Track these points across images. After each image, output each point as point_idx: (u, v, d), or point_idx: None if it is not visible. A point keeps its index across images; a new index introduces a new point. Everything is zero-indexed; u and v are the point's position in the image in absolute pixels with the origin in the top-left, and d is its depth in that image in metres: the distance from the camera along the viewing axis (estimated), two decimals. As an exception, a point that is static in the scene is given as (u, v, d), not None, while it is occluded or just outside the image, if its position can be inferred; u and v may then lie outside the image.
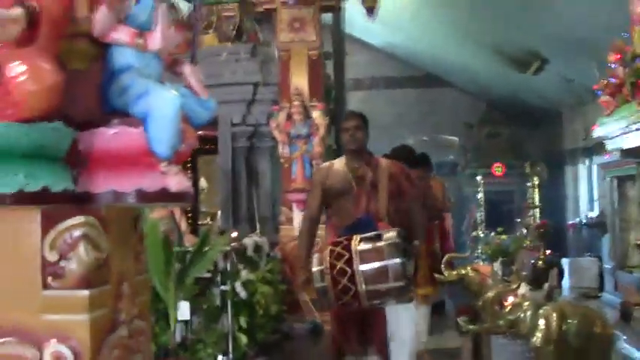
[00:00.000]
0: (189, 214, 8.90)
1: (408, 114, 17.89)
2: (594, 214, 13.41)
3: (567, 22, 10.14)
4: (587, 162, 14.36)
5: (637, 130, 5.70)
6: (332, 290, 4.33)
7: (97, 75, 2.17)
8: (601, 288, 9.87)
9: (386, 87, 18.44)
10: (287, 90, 8.07)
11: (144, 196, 2.14)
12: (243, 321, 5.65)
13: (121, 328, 2.22)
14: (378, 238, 4.41)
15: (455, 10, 12.54)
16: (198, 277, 5.35)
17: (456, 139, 17.58)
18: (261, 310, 6.01)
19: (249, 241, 6.46)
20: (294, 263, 6.73)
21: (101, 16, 2.10)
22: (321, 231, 5.38)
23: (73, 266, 2.03)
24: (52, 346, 2.01)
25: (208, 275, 5.60)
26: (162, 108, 2.07)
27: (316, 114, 7.98)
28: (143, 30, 2.18)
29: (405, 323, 5.08)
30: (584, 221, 13.83)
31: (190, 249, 5.35)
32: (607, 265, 9.63)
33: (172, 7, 2.48)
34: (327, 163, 5.28)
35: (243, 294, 5.73)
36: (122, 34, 2.13)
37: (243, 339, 5.62)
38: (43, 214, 2.02)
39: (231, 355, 5.46)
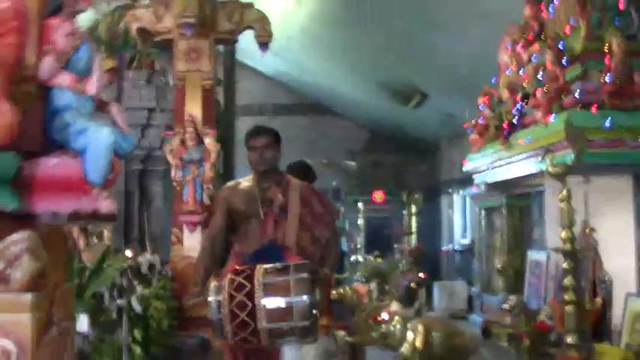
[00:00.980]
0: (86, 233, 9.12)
1: (296, 140, 18.44)
2: (467, 241, 14.33)
3: (446, 61, 10.93)
4: (461, 192, 15.30)
5: (499, 166, 6.40)
6: (229, 324, 3.94)
7: (40, 112, 2.57)
8: (470, 309, 10.65)
9: (275, 114, 18.96)
10: (181, 117, 8.43)
11: (78, 217, 2.55)
12: (138, 334, 6.00)
13: (54, 328, 2.61)
14: (285, 270, 4.02)
15: (343, 44, 13.21)
16: (95, 291, 5.67)
17: (353, 163, 18.22)
18: (155, 324, 6.37)
19: (143, 260, 6.79)
20: (187, 283, 7.06)
21: (47, 64, 2.51)
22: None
23: (17, 274, 2.42)
24: (1, 341, 2.39)
25: (105, 290, 5.91)
26: (98, 143, 2.49)
27: (208, 140, 8.36)
28: (81, 76, 2.60)
29: None
30: (457, 247, 14.76)
31: (89, 265, 5.66)
32: (474, 289, 10.42)
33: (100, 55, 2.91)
34: (233, 182, 4.87)
35: (138, 308, 6.08)
36: (64, 80, 2.55)
37: (138, 350, 5.97)
38: (-7, 228, 2.41)
39: (126, 366, 5.79)
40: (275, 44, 9.02)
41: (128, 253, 6.75)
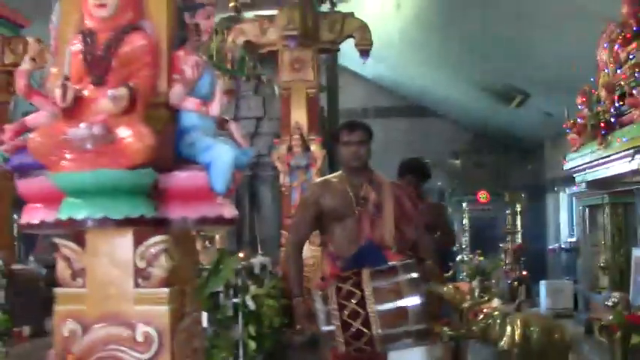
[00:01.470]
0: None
1: (397, 142, 18.70)
2: (573, 239, 14.25)
3: (545, 60, 11.00)
4: (567, 190, 15.21)
5: (598, 165, 6.52)
6: (342, 335, 3.80)
7: (171, 132, 2.97)
8: (576, 307, 10.67)
9: (376, 116, 19.25)
10: (288, 124, 8.89)
11: (206, 222, 2.94)
12: (252, 330, 6.45)
13: (186, 318, 3.02)
14: (393, 271, 3.90)
15: (441, 47, 13.41)
16: (213, 291, 6.13)
17: (458, 162, 18.33)
18: (267, 321, 6.81)
19: (256, 261, 7.25)
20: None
21: (177, 91, 2.91)
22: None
23: (156, 271, 2.83)
24: (142, 328, 2.80)
25: (221, 289, 6.37)
26: (221, 158, 2.87)
27: (314, 147, 8.79)
28: (204, 99, 2.99)
29: None
30: (564, 246, 14.69)
31: (207, 266, 6.12)
32: (580, 287, 10.44)
33: (221, 79, 3.30)
34: (320, 180, 4.69)
35: (252, 306, 6.53)
36: (191, 104, 2.94)
37: (252, 345, 6.41)
38: (135, 233, 2.82)
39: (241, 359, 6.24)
40: (375, 49, 9.36)
41: (241, 255, 7.21)
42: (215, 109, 2.99)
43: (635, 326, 5.41)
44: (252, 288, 6.75)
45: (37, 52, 8.86)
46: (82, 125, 2.69)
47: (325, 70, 11.73)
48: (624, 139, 5.54)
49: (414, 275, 3.82)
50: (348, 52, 11.30)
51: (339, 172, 4.48)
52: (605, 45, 6.44)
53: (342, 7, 10.58)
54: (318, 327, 3.98)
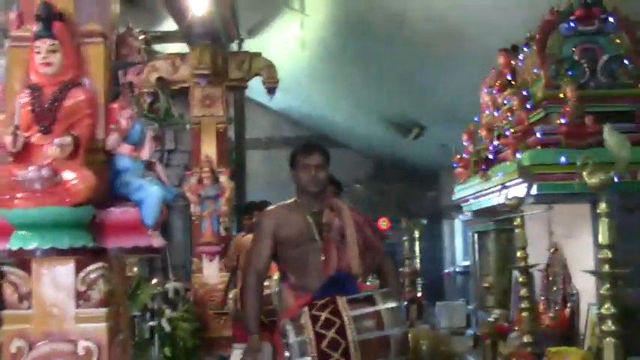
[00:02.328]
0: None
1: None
2: (467, 262, 15.14)
3: (441, 96, 11.82)
4: (460, 217, 16.12)
5: (480, 196, 7.25)
6: None
7: (107, 174, 3.45)
8: (468, 325, 11.46)
9: (283, 146, 19.80)
10: (198, 157, 9.37)
11: (138, 251, 3.43)
12: (168, 351, 6.88)
13: (120, 334, 3.49)
14: (370, 300, 3.64)
15: (346, 81, 14.11)
16: (130, 315, 6.54)
17: (359, 186, 19.00)
18: (182, 343, 7.24)
19: (170, 286, 7.68)
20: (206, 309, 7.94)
21: (112, 138, 3.40)
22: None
23: (95, 294, 3.29)
24: (83, 343, 3.25)
25: (138, 313, 6.78)
26: (151, 196, 3.36)
27: (223, 178, 9.29)
28: (136, 146, 3.49)
29: None
30: (457, 269, 15.58)
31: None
32: (471, 307, 11.22)
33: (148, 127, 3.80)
34: (275, 207, 4.23)
35: (167, 328, 6.96)
36: (125, 150, 3.43)
37: (167, 366, 6.85)
38: (77, 261, 3.28)
39: (157, 381, 6.66)
40: (282, 82, 9.94)
41: (153, 281, 7.64)
42: (145, 154, 3.50)
43: (501, 334, 6.15)
44: (167, 312, 7.18)
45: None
46: (31, 168, 3.14)
47: (233, 101, 12.25)
48: (499, 174, 6.26)
49: (395, 304, 3.59)
50: (254, 85, 11.86)
51: (294, 199, 4.14)
52: (486, 90, 7.20)
53: (249, 44, 11.16)
54: None
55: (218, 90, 9.35)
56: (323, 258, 3.94)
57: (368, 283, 4.12)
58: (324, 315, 3.57)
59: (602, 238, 4.33)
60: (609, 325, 4.59)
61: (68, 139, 3.19)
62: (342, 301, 3.62)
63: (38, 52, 3.30)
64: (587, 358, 5.28)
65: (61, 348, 3.26)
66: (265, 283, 5.30)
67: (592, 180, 4.21)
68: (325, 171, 4.10)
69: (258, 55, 9.54)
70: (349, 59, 12.78)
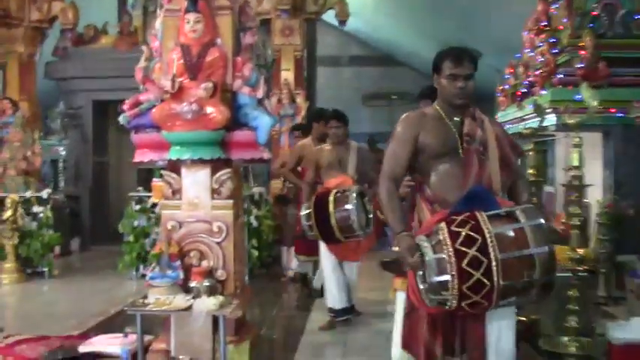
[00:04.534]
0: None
1: (368, 88, 20.59)
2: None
3: (496, 30, 12.97)
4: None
5: (516, 122, 8.54)
6: (458, 286, 3.19)
7: (233, 107, 4.93)
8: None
9: (350, 64, 21.06)
10: (278, 80, 10.83)
11: (253, 161, 4.96)
12: (255, 242, 8.51)
13: (239, 218, 5.06)
14: (512, 217, 3.34)
15: (410, 9, 15.27)
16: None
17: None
18: (265, 237, 8.87)
19: (256, 190, 9.25)
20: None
21: (238, 83, 4.87)
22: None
23: (224, 190, 4.84)
24: (216, 223, 4.82)
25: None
26: (264, 123, 4.85)
27: (299, 99, 10.76)
28: (253, 87, 4.95)
29: (507, 335, 3.59)
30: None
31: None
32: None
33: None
34: (417, 112, 3.79)
35: (255, 224, 8.57)
36: (246, 90, 4.90)
37: (255, 254, 8.47)
38: (212, 167, 4.81)
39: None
40: (351, 5, 11.11)
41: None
42: (260, 93, 4.96)
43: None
44: (255, 211, 8.78)
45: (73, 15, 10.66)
46: (185, 104, 4.66)
47: (306, 24, 13.54)
48: (530, 106, 7.55)
49: (541, 221, 3.29)
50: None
51: (434, 106, 3.73)
52: (526, 32, 8.40)
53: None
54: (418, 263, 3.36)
55: (296, 22, 10.71)
56: (463, 170, 3.56)
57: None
58: (464, 231, 3.25)
59: (575, 161, 5.45)
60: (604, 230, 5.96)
61: (210, 85, 4.69)
62: (482, 217, 3.30)
63: (188, 22, 4.78)
64: (588, 254, 6.64)
65: (202, 227, 4.84)
66: (343, 198, 6.07)
67: (570, 120, 5.47)
68: (473, 81, 3.60)
69: (331, -10, 10.86)
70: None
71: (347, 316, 6.41)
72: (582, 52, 6.96)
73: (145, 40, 11.75)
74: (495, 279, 3.18)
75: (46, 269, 8.81)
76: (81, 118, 12.15)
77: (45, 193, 9.14)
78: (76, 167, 12.03)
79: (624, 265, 6.65)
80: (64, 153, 11.77)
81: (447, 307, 3.29)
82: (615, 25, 7.18)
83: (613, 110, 6.88)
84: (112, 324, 6.14)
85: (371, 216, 6.22)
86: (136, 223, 8.48)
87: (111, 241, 10.98)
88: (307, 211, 6.25)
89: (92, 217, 12.12)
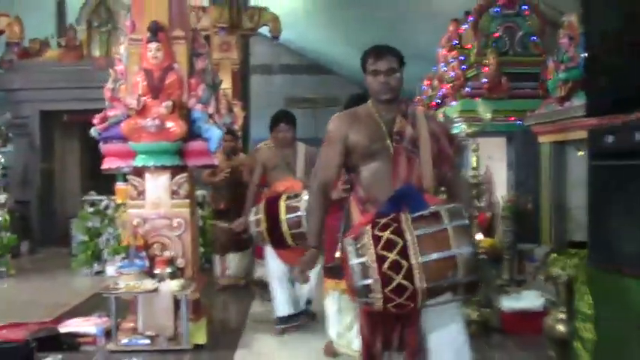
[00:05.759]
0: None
1: (299, 94, 21.51)
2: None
3: (418, 42, 14.06)
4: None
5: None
6: (381, 290, 3.21)
7: (188, 121, 5.80)
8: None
9: (281, 72, 21.98)
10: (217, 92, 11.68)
11: (206, 166, 5.87)
12: (200, 240, 9.34)
13: (194, 216, 5.94)
14: (436, 217, 3.30)
15: (338, 22, 16.29)
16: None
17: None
18: (208, 235, 9.69)
19: (199, 193, 10.06)
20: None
21: (192, 101, 5.76)
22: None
23: (182, 191, 5.72)
24: (176, 219, 5.69)
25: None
26: (215, 135, 5.74)
27: (237, 109, 11.64)
28: (205, 104, 5.84)
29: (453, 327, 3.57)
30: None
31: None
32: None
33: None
34: (348, 111, 3.82)
35: (199, 223, 9.41)
36: (199, 107, 5.79)
37: (201, 250, 9.31)
38: (171, 172, 5.70)
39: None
40: (282, 18, 12.00)
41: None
42: (210, 109, 5.86)
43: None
44: (199, 211, 9.61)
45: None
46: (149, 119, 5.53)
47: (242, 39, 14.40)
48: (441, 116, 8.63)
49: (464, 221, 3.27)
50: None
51: (367, 104, 3.71)
52: (441, 48, 9.48)
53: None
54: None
55: (233, 38, 11.62)
56: (391, 169, 3.54)
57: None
58: (385, 235, 3.24)
59: (473, 163, 6.48)
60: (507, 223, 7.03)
61: (170, 103, 5.56)
62: (406, 220, 3.29)
63: (150, 50, 5.64)
64: (495, 244, 7.69)
65: (163, 222, 5.71)
66: (294, 204, 5.94)
67: (469, 129, 6.52)
68: (397, 75, 3.59)
69: (265, 9, 11.78)
70: (338, 3, 14.92)
71: (294, 323, 6.23)
72: (487, 69, 8.04)
73: (89, 53, 12.55)
74: (417, 282, 3.18)
75: (4, 269, 9.46)
76: (28, 127, 12.77)
77: (2, 198, 9.81)
78: (24, 174, 12.64)
79: (524, 252, 7.72)
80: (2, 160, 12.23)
81: (375, 308, 3.30)
82: (515, 45, 8.27)
83: (513, 119, 7.97)
84: (78, 312, 6.84)
85: None
86: (89, 224, 9.24)
87: (59, 243, 11.71)
88: (257, 217, 6.02)
89: (40, 220, 12.76)
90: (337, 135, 3.64)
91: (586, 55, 4.24)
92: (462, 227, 3.24)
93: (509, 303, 5.85)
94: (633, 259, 3.13)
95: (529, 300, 5.77)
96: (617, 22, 3.65)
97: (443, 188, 3.88)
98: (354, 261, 3.26)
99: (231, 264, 8.56)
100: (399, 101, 3.64)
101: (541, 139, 7.20)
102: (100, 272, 9.20)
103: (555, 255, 4.21)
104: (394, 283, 3.17)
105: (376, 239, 3.24)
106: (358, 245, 3.28)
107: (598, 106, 3.76)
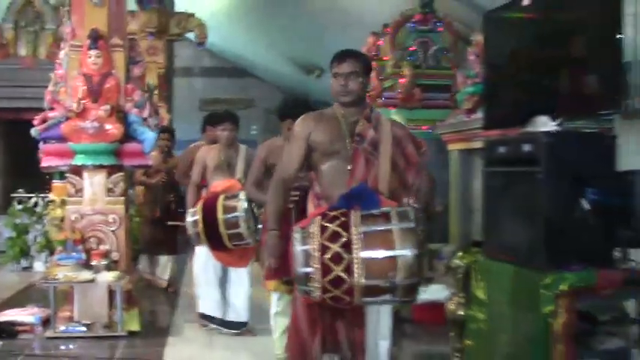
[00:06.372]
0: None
1: (216, 96, 21.78)
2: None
3: (333, 50, 14.65)
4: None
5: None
6: (320, 279, 3.29)
7: (125, 124, 6.19)
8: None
9: (203, 75, 22.27)
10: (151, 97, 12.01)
11: (140, 166, 6.28)
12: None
13: (128, 211, 6.33)
14: (386, 217, 3.37)
15: (260, 26, 16.68)
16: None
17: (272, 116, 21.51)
18: (135, 232, 10.02)
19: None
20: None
21: (129, 105, 6.16)
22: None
23: (117, 189, 6.11)
24: (111, 215, 6.06)
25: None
26: (149, 137, 6.16)
27: (162, 111, 11.98)
28: (140, 109, 6.25)
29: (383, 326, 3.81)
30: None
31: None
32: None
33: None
34: (315, 112, 3.96)
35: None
36: (135, 111, 6.19)
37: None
38: (108, 171, 6.07)
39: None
40: (207, 20, 12.34)
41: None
42: (145, 113, 6.27)
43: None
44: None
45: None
46: (88, 122, 5.91)
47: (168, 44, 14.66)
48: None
49: (410, 224, 3.32)
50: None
51: (334, 106, 3.84)
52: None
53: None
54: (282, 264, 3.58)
55: (160, 42, 11.95)
56: (349, 168, 3.66)
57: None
58: (332, 227, 3.32)
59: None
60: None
61: (108, 107, 5.95)
62: (355, 216, 3.37)
63: (89, 57, 6.02)
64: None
65: (99, 218, 6.09)
66: (232, 203, 5.72)
67: None
68: (359, 80, 3.71)
69: (192, 15, 12.14)
70: (263, 9, 15.35)
71: (217, 324, 6.20)
72: (402, 80, 8.64)
73: (15, 52, 12.66)
74: (356, 277, 3.22)
75: None
76: (-49, 124, 12.80)
77: None
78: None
79: (434, 251, 8.33)
80: None
81: (312, 298, 3.37)
82: (428, 59, 8.89)
83: (425, 127, 8.59)
84: (8, 305, 7.04)
85: (260, 226, 5.58)
86: (17, 221, 9.47)
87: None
88: (194, 218, 5.84)
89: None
90: (300, 134, 3.76)
91: (484, 75, 4.86)
92: (408, 230, 3.29)
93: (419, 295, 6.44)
94: (516, 249, 3.71)
95: (436, 292, 6.36)
96: (509, 48, 4.27)
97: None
98: (298, 248, 3.34)
99: (160, 266, 8.53)
100: (364, 105, 3.79)
101: (450, 146, 7.82)
102: (28, 268, 9.43)
103: (460, 253, 4.76)
104: (332, 274, 3.25)
105: (323, 229, 3.32)
106: (305, 234, 3.35)
107: (493, 121, 4.37)
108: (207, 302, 6.23)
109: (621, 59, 3.67)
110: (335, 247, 3.25)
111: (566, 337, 3.32)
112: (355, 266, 3.22)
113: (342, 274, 3.24)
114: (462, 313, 4.22)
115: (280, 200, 3.84)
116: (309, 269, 3.28)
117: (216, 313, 6.20)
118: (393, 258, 3.23)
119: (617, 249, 3.43)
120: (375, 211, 3.39)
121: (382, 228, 3.30)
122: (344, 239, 3.26)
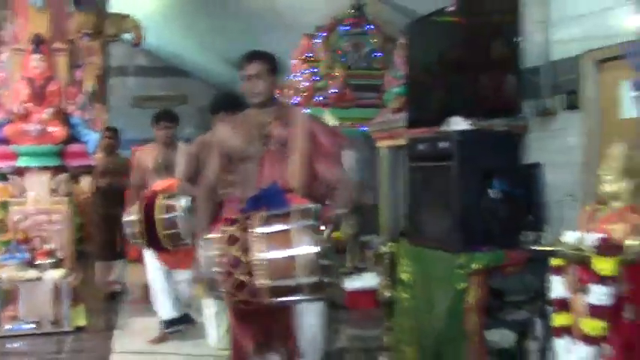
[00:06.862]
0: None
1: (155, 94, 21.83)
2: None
3: (278, 50, 14.94)
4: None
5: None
6: (224, 285, 3.30)
7: (68, 126, 6.41)
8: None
9: (136, 74, 22.28)
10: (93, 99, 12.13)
11: (83, 167, 6.51)
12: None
13: (72, 211, 6.56)
14: (286, 217, 3.33)
15: (194, 27, 16.89)
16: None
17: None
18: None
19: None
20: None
21: (72, 108, 6.39)
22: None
23: (61, 190, 6.32)
24: (55, 215, 6.29)
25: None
26: (92, 139, 6.40)
27: (98, 110, 12.12)
28: (82, 111, 6.49)
29: (311, 323, 3.76)
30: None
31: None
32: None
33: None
34: (232, 117, 4.02)
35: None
36: (77, 113, 6.42)
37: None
38: (52, 172, 6.29)
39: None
40: (141, 19, 12.48)
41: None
42: (88, 115, 6.52)
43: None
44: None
45: None
46: (32, 124, 6.13)
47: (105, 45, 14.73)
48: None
49: (309, 222, 3.27)
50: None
51: (249, 108, 3.86)
52: (294, 60, 10.38)
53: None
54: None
55: (97, 43, 12.07)
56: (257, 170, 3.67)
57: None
58: (230, 231, 3.32)
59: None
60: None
61: (51, 110, 6.18)
62: (257, 217, 3.33)
63: (32, 61, 6.23)
64: (339, 236, 8.62)
65: (44, 218, 6.29)
66: (170, 202, 5.49)
67: None
68: (265, 80, 3.71)
69: (127, 16, 12.28)
70: (198, 10, 15.55)
71: (177, 327, 5.99)
72: (334, 81, 9.02)
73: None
74: (257, 279, 3.20)
75: None
76: None
77: None
78: None
79: (365, 242, 8.72)
80: None
81: (227, 303, 3.45)
82: (360, 60, 9.29)
83: (358, 125, 8.98)
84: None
85: None
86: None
87: None
88: (131, 217, 5.60)
89: None
90: (214, 142, 3.83)
91: (407, 77, 5.26)
92: (307, 228, 3.24)
93: (351, 283, 6.85)
94: (434, 234, 4.14)
95: (367, 280, 6.77)
96: (429, 54, 4.68)
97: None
98: (202, 254, 3.39)
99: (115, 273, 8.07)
100: (276, 104, 3.81)
101: (379, 144, 8.21)
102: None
103: (389, 243, 5.17)
104: (233, 278, 3.24)
105: (222, 234, 3.33)
106: (207, 240, 3.38)
107: (415, 120, 4.79)
108: (167, 309, 5.93)
109: (518, 64, 4.13)
110: (233, 251, 3.26)
111: (479, 310, 3.78)
112: (255, 268, 3.21)
113: (243, 277, 3.24)
114: (389, 294, 4.64)
115: (207, 205, 3.84)
116: (213, 275, 3.32)
117: (173, 314, 5.96)
118: (290, 257, 3.21)
119: (522, 232, 3.86)
120: (278, 212, 3.36)
121: (282, 228, 3.27)
122: (241, 242, 3.26)
